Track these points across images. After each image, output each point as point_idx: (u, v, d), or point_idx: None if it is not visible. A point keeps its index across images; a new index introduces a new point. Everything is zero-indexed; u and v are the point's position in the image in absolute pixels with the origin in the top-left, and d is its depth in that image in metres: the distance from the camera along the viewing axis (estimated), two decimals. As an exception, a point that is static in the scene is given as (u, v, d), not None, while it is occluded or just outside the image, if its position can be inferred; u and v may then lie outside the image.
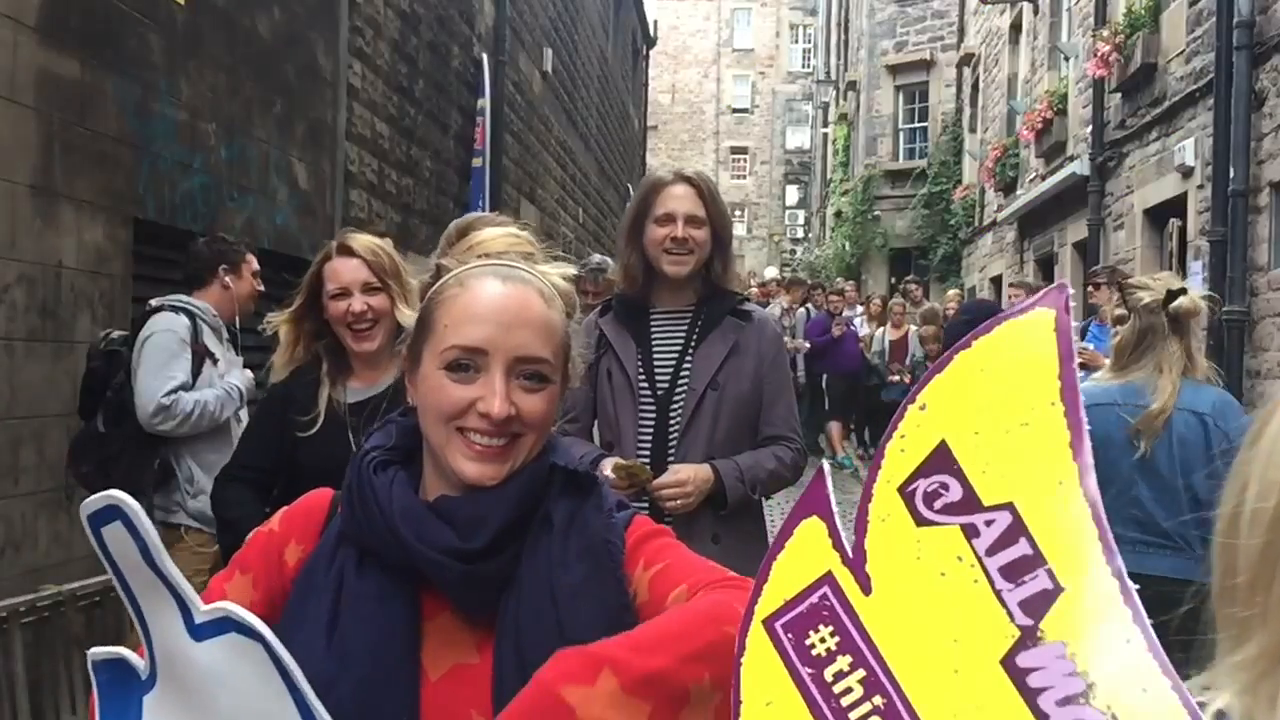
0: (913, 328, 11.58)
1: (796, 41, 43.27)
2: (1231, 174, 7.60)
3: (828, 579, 0.87)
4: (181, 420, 3.73)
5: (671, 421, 2.61)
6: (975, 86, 18.75)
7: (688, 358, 2.65)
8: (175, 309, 3.87)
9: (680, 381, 2.64)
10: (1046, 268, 13.86)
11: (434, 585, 1.13)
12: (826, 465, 0.95)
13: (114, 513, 1.01)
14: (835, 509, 0.91)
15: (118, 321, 4.73)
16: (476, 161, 10.80)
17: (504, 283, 1.17)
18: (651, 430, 2.63)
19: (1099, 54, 10.29)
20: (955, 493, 0.83)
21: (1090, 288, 7.71)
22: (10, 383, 4.29)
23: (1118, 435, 2.93)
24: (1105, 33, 10.37)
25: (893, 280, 19.75)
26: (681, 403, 2.61)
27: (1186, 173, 8.75)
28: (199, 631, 0.99)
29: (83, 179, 4.69)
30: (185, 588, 0.99)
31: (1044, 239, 13.77)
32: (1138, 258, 9.99)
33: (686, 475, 2.51)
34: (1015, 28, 15.73)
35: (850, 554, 0.87)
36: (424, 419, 1.18)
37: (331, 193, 7.48)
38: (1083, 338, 7.68)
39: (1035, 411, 0.82)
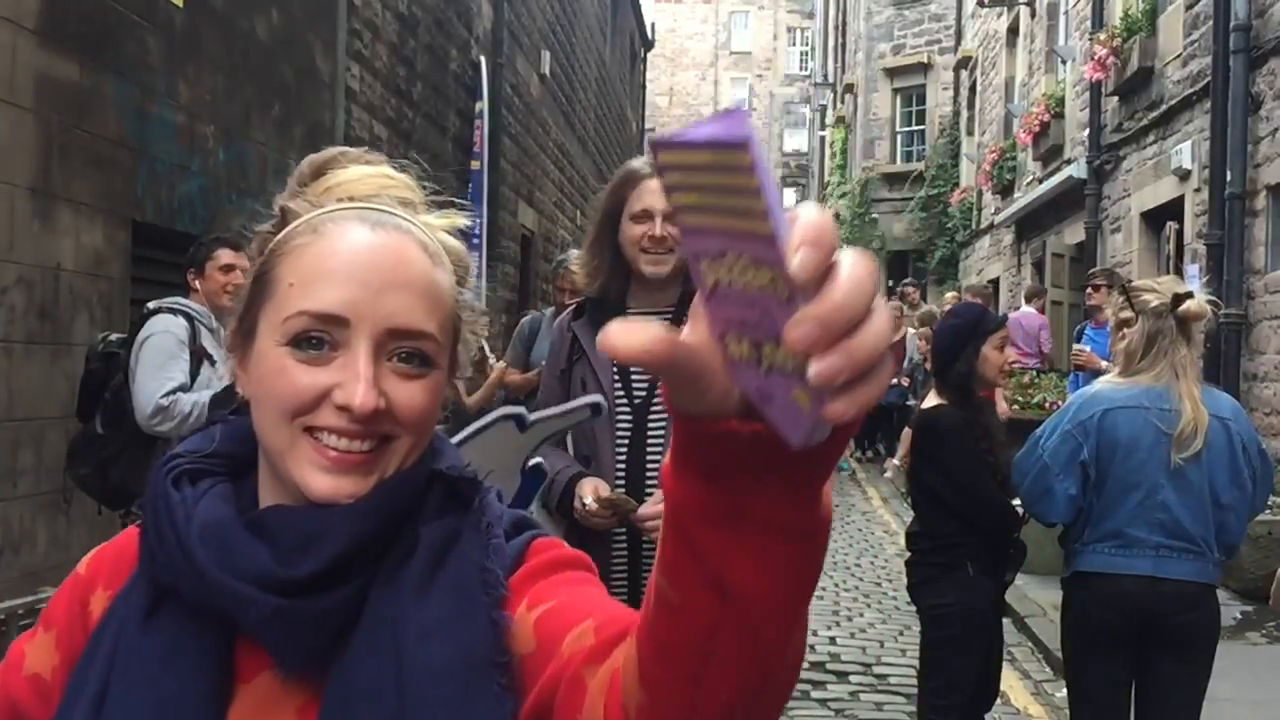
0: (911, 330, 11.58)
1: (794, 44, 43.33)
2: (1228, 177, 7.61)
3: None
4: (180, 421, 3.73)
5: (651, 434, 2.40)
6: (973, 89, 18.78)
7: None
8: (173, 311, 3.88)
9: (660, 391, 2.44)
10: (1044, 270, 13.87)
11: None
12: None
13: None
14: None
15: (116, 324, 4.73)
16: (475, 164, 10.81)
17: (374, 230, 0.88)
18: (627, 444, 2.42)
19: (1096, 57, 10.30)
20: None
21: (1089, 290, 7.73)
22: (8, 385, 4.29)
23: (1145, 439, 2.91)
24: (1102, 36, 10.39)
25: (890, 283, 19.75)
26: (664, 415, 2.27)
27: (1183, 176, 8.76)
28: None
29: (81, 181, 4.69)
30: None
31: (1041, 242, 13.79)
32: (1135, 260, 10.00)
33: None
34: (1013, 31, 15.76)
35: None
36: (259, 415, 0.88)
37: (330, 195, 7.47)
38: (1078, 340, 7.70)
39: None
